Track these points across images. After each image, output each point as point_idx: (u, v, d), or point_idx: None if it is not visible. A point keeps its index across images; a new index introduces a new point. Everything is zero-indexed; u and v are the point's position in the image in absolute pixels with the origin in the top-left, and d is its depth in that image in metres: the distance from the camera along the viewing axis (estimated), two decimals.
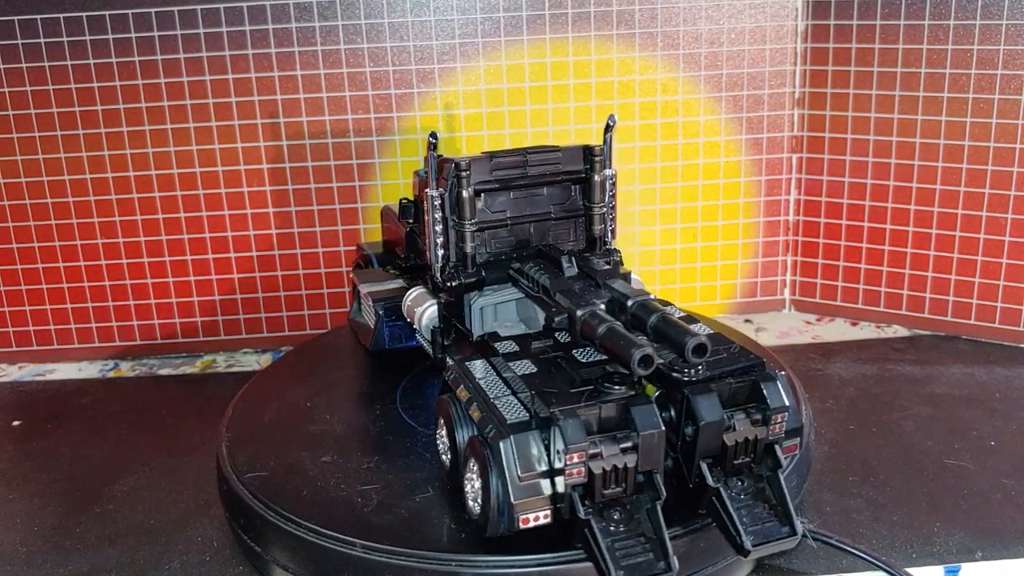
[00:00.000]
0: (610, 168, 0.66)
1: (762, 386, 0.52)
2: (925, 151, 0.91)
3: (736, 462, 0.52)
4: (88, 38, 0.89)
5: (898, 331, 0.96)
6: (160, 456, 0.76)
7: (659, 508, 0.49)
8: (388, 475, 0.61)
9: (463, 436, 0.56)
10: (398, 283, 0.76)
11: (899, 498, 0.66)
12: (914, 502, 0.65)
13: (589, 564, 0.50)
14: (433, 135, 0.62)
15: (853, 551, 0.58)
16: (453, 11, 0.91)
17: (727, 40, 0.94)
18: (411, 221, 0.74)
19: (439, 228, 0.64)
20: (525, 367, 0.56)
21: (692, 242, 1.00)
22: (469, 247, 0.63)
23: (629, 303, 0.54)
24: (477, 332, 0.64)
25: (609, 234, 0.68)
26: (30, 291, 0.96)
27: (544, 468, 0.49)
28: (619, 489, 0.49)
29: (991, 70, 0.87)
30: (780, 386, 0.52)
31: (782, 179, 0.99)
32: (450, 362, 0.64)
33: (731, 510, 0.51)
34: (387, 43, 0.91)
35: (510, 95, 0.93)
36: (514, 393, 0.53)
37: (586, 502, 0.49)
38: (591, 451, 0.48)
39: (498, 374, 0.56)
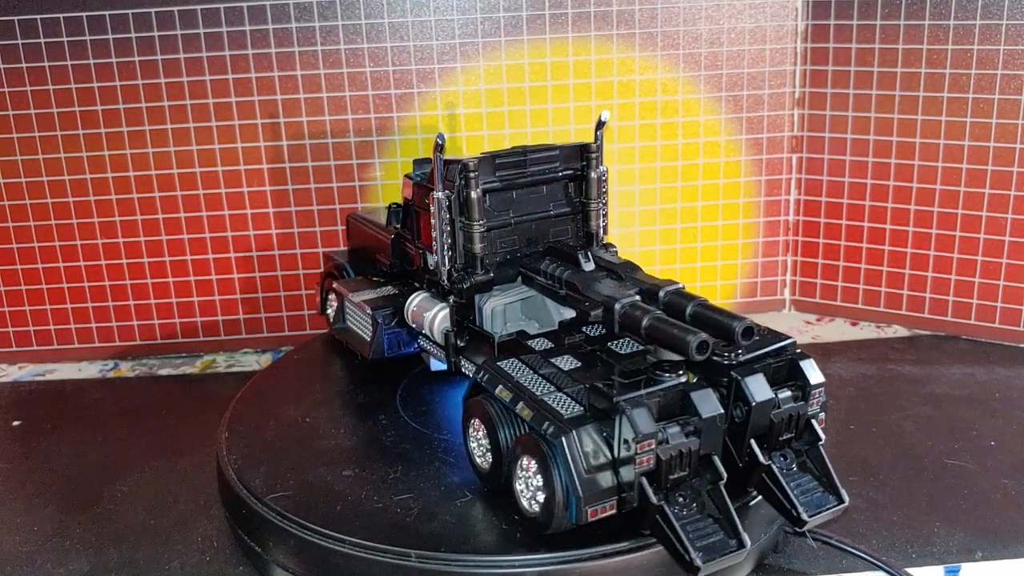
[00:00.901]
0: (602, 165, 0.67)
1: (800, 364, 0.54)
2: (925, 151, 0.91)
3: (781, 439, 0.54)
4: (88, 38, 0.89)
5: (898, 331, 0.96)
6: (160, 456, 0.76)
7: (722, 488, 0.50)
8: (419, 483, 0.60)
9: (506, 435, 0.55)
10: (388, 290, 0.75)
11: (899, 498, 0.66)
12: (914, 502, 0.65)
13: (656, 549, 0.51)
14: (440, 136, 0.61)
15: (853, 551, 0.58)
16: (453, 11, 0.91)
17: (727, 40, 0.94)
18: (399, 226, 0.73)
19: (447, 230, 0.63)
20: (568, 362, 0.56)
21: (692, 242, 1.00)
22: (478, 248, 0.63)
23: (661, 293, 0.56)
24: (491, 333, 0.63)
25: (602, 230, 0.68)
26: (30, 291, 0.96)
27: (606, 460, 0.50)
28: (684, 473, 0.50)
29: (991, 70, 0.87)
30: (814, 363, 0.55)
31: (782, 179, 0.99)
32: (468, 364, 0.63)
33: (784, 485, 0.53)
34: (387, 43, 0.91)
35: (510, 95, 0.93)
36: (559, 388, 0.54)
37: (653, 487, 0.49)
38: (658, 438, 0.49)
39: (535, 371, 0.56)
